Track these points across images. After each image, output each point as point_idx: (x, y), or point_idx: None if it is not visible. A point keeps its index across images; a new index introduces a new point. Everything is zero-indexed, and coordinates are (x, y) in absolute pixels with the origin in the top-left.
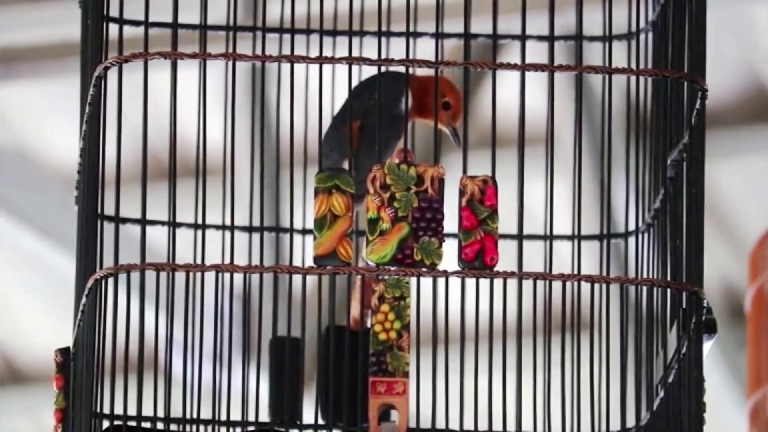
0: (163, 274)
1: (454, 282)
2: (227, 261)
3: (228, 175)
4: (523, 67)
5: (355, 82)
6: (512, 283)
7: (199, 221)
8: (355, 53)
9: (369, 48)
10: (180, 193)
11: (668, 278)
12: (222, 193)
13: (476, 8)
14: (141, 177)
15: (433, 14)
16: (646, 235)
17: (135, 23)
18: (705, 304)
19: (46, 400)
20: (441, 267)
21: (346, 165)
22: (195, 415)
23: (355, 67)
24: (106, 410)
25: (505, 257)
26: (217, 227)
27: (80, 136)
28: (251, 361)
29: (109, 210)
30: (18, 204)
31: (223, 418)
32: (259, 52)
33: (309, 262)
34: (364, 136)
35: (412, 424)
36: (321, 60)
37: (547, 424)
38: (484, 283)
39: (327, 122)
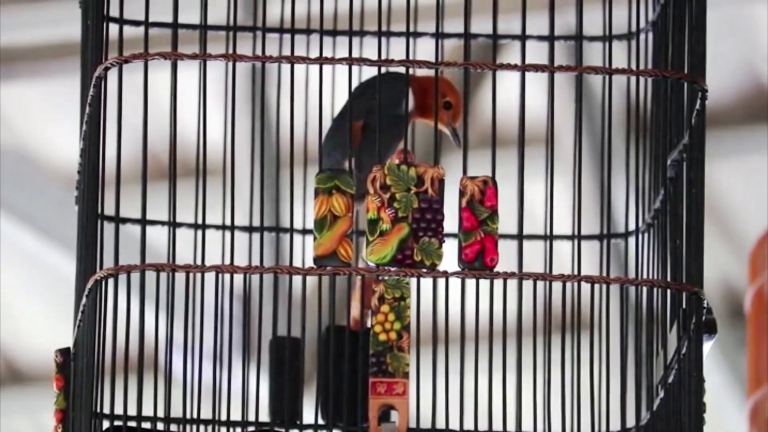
0: (163, 275)
1: (454, 282)
2: (227, 261)
3: (228, 176)
4: (523, 68)
5: (355, 83)
6: (512, 283)
7: (199, 221)
8: (355, 53)
9: (369, 48)
10: (180, 193)
11: (668, 278)
12: (222, 193)
13: (476, 8)
14: (141, 177)
15: (433, 14)
16: (646, 236)
17: (135, 23)
18: (705, 305)
19: (46, 400)
20: (441, 268)
21: (347, 164)
22: (195, 415)
23: (355, 68)
24: (106, 410)
25: (505, 257)
26: (217, 227)
27: (80, 137)
28: (251, 361)
29: (109, 210)
30: (18, 204)
31: (223, 418)
32: (259, 52)
33: (309, 263)
34: (366, 136)
35: (412, 425)
36: (321, 60)
37: (547, 424)
38: (484, 283)
39: (327, 122)
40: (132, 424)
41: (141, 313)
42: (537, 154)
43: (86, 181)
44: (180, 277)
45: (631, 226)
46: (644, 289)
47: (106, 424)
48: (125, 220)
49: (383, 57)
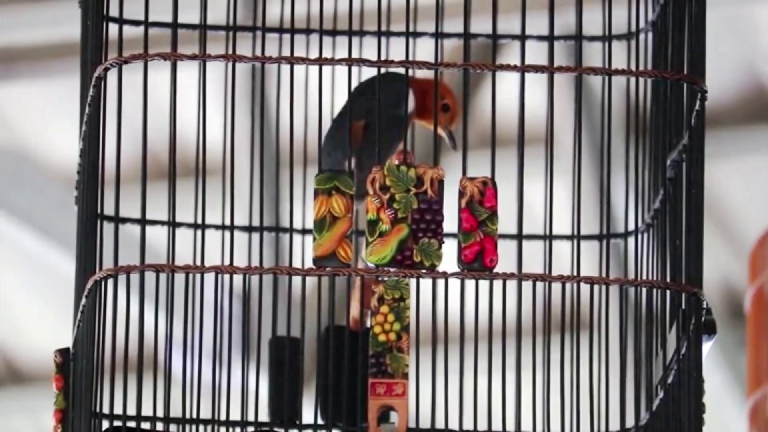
0: (162, 275)
1: (454, 283)
2: (227, 261)
3: (228, 176)
4: (523, 69)
5: (354, 83)
6: (512, 284)
7: (199, 221)
8: (355, 53)
9: (368, 48)
10: (180, 193)
11: (668, 279)
12: (222, 193)
13: (476, 8)
14: (141, 177)
15: (432, 14)
16: (645, 236)
17: (135, 23)
18: (704, 305)
19: (46, 400)
20: (440, 268)
21: (349, 164)
22: (194, 415)
23: (354, 68)
24: (106, 410)
25: (505, 258)
26: (216, 227)
27: (80, 137)
28: (251, 361)
29: (109, 210)
30: (18, 204)
31: (223, 418)
32: (258, 52)
33: (309, 262)
34: (367, 136)
35: (412, 425)
36: (320, 61)
37: (546, 424)
38: (484, 284)
39: (326, 122)
40: (131, 424)
41: (140, 313)
42: (536, 155)
43: (86, 181)
44: (179, 277)
45: (631, 227)
46: (644, 289)
47: (105, 424)
48: (125, 220)
49: (383, 57)
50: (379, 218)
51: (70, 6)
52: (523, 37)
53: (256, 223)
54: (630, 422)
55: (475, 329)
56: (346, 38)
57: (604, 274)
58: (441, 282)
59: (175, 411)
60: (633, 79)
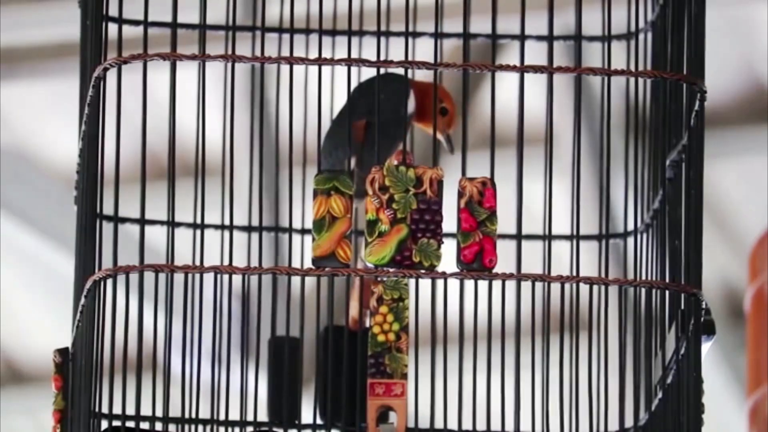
0: (162, 275)
1: (453, 284)
2: (226, 261)
3: (227, 176)
4: (522, 69)
5: (354, 83)
6: (511, 284)
7: (198, 221)
8: (354, 53)
9: (368, 48)
10: (179, 193)
11: (667, 279)
12: (221, 193)
13: (475, 8)
14: (140, 177)
15: (432, 14)
16: (644, 236)
17: (134, 23)
18: (703, 306)
19: (46, 400)
20: (439, 268)
21: (351, 162)
22: (194, 415)
23: (354, 68)
24: (105, 410)
25: (504, 258)
26: (216, 227)
27: (79, 137)
28: (250, 361)
29: (108, 210)
30: (18, 204)
31: (222, 418)
32: (258, 52)
33: (308, 262)
34: (369, 135)
35: (411, 425)
36: (320, 61)
37: (545, 424)
38: (483, 284)
39: (326, 122)
40: (130, 424)
41: (140, 313)
42: (536, 155)
43: (85, 180)
44: (179, 277)
45: (630, 227)
46: (643, 289)
47: (104, 424)
48: (124, 220)
49: (382, 57)
50: (378, 218)
51: (69, 6)
52: (522, 37)
53: (255, 223)
54: (629, 422)
55: (474, 329)
56: (345, 38)
57: (603, 275)
58: (440, 282)
59: (174, 411)
60: (632, 80)
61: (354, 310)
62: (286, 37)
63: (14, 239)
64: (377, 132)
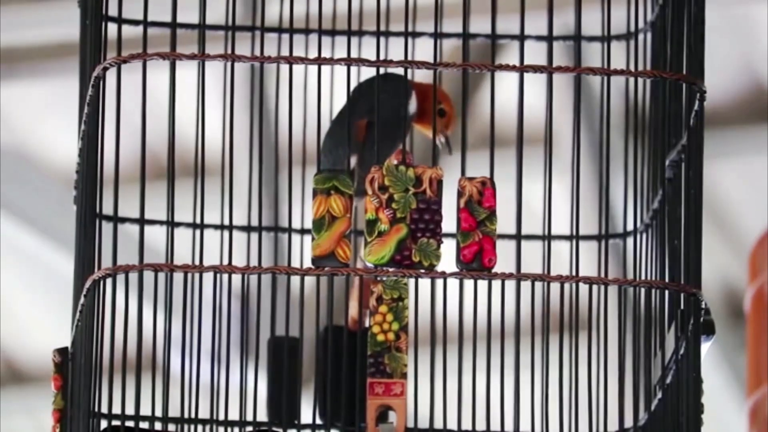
0: (161, 274)
1: (452, 283)
2: (226, 261)
3: (227, 175)
4: (522, 69)
5: (353, 83)
6: (510, 284)
7: (198, 221)
8: (354, 53)
9: (367, 48)
10: (179, 193)
11: (666, 279)
12: (221, 192)
13: (475, 8)
14: (140, 177)
15: (431, 14)
16: (644, 236)
17: (134, 23)
18: (703, 306)
19: (46, 400)
20: (439, 268)
21: (352, 161)
22: (193, 415)
23: (353, 68)
24: (104, 410)
25: (504, 258)
26: (215, 227)
27: (79, 136)
28: (249, 360)
29: (108, 209)
30: (18, 204)
31: (222, 417)
32: (257, 52)
33: (307, 262)
34: (370, 134)
35: (410, 425)
36: (319, 61)
37: (545, 424)
38: (482, 284)
39: (325, 122)
40: (130, 423)
41: (139, 312)
42: (535, 155)
43: (85, 180)
44: (178, 276)
45: (630, 227)
46: (642, 289)
47: (104, 424)
48: (124, 220)
49: (382, 57)
50: (377, 218)
51: (69, 6)
52: (522, 38)
53: (255, 223)
54: (629, 422)
55: (473, 329)
56: (345, 38)
57: (602, 275)
58: (440, 282)
59: (174, 411)
60: (632, 80)
61: (353, 310)
62: (285, 37)
63: (14, 239)
64: (376, 131)
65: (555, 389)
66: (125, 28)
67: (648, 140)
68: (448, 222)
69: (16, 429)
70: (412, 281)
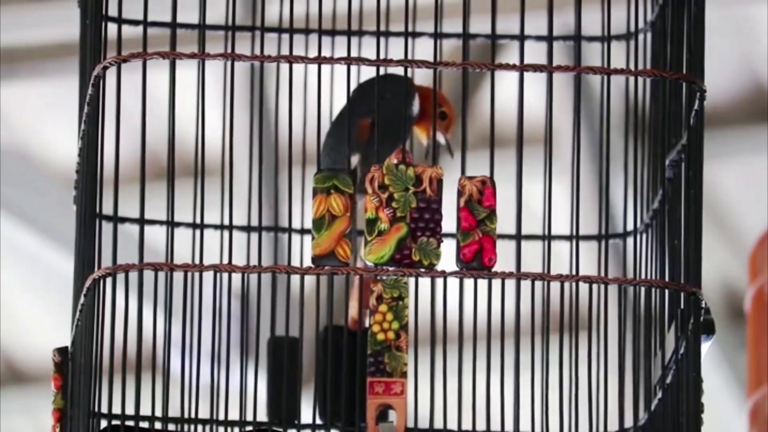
0: (161, 274)
1: (453, 282)
2: (226, 261)
3: (227, 175)
4: (522, 68)
5: (353, 82)
6: (510, 283)
7: (198, 221)
8: (354, 53)
9: (367, 48)
10: (178, 193)
11: (666, 279)
12: (221, 192)
13: (475, 8)
14: (140, 176)
15: (431, 14)
16: (644, 236)
17: (134, 23)
18: (703, 305)
19: (46, 400)
20: (439, 267)
21: (354, 159)
22: (193, 415)
23: (353, 67)
24: (104, 410)
25: (504, 257)
26: (215, 227)
27: (79, 136)
28: (249, 360)
29: (108, 209)
30: (18, 204)
31: (221, 417)
32: (257, 52)
33: (307, 262)
34: (373, 133)
35: (410, 425)
36: (320, 60)
37: (545, 424)
38: (482, 283)
39: (325, 122)
40: (130, 423)
41: (139, 312)
42: (535, 154)
43: (85, 180)
44: (178, 276)
45: (630, 227)
46: (642, 289)
47: (104, 424)
48: (124, 220)
49: (382, 57)
50: (377, 217)
51: (69, 6)
52: (522, 38)
53: (255, 223)
54: (629, 422)
55: (473, 328)
56: (345, 38)
57: (603, 274)
58: (440, 281)
59: (174, 410)
60: (632, 79)
61: (353, 310)
62: (285, 37)
63: (14, 239)
64: (380, 131)
65: (555, 389)
66: (125, 28)
67: (648, 140)
68: (448, 221)
69: (16, 429)
70: (412, 280)
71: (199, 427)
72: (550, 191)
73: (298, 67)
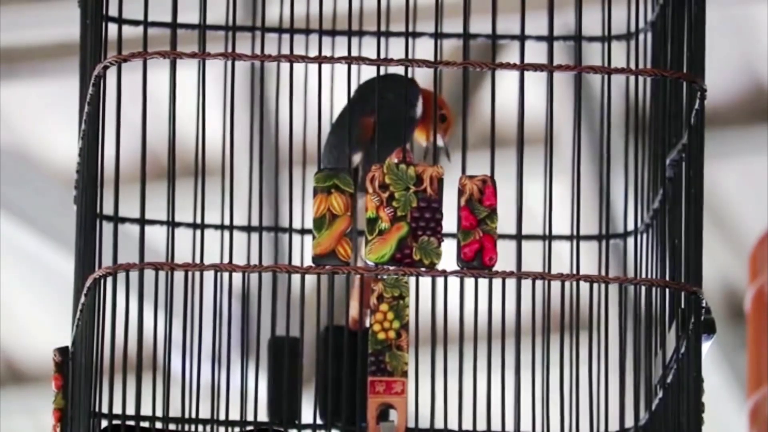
0: (161, 273)
1: (453, 282)
2: (226, 261)
3: (227, 175)
4: (522, 67)
5: (354, 82)
6: (511, 282)
7: (198, 221)
8: (354, 53)
9: (368, 48)
10: (179, 193)
11: (667, 278)
12: (221, 192)
13: (475, 8)
14: (140, 176)
15: (432, 14)
16: (645, 236)
17: (134, 23)
18: (704, 305)
19: (46, 400)
20: (440, 267)
21: (356, 158)
22: (194, 415)
23: (354, 67)
24: (105, 410)
25: (504, 257)
26: (216, 227)
27: (79, 136)
28: (250, 360)
29: (108, 209)
30: (18, 204)
31: (222, 417)
32: (258, 51)
33: (308, 262)
34: (376, 132)
35: (411, 424)
36: (320, 60)
37: (545, 424)
38: (483, 282)
39: (326, 122)
40: (130, 423)
41: (140, 312)
42: (536, 154)
43: (85, 180)
44: (179, 276)
45: (630, 226)
46: (643, 288)
47: (104, 424)
48: (124, 220)
49: (382, 57)
50: (378, 216)
51: (69, 6)
52: (522, 38)
53: (255, 222)
54: (629, 422)
55: (474, 328)
56: (345, 38)
57: (603, 274)
58: (440, 280)
59: (174, 410)
60: (632, 79)
61: (354, 310)
62: (285, 37)
63: (14, 239)
64: (382, 130)
65: (556, 388)
66: (125, 28)
67: (648, 140)
68: (449, 220)
69: (16, 429)
70: (412, 279)
71: (200, 427)
72: (551, 191)
73: (298, 67)
